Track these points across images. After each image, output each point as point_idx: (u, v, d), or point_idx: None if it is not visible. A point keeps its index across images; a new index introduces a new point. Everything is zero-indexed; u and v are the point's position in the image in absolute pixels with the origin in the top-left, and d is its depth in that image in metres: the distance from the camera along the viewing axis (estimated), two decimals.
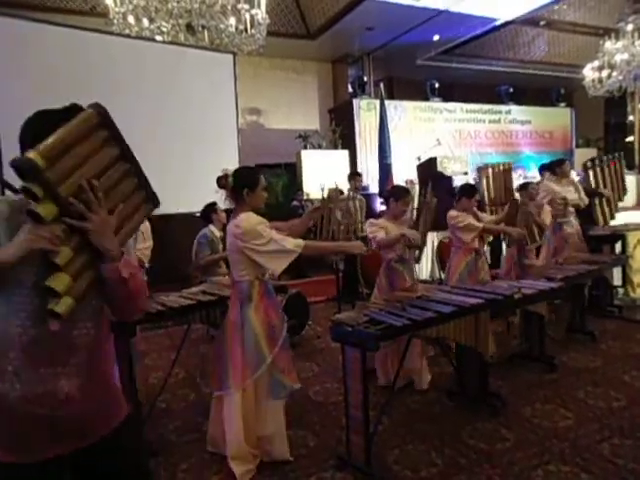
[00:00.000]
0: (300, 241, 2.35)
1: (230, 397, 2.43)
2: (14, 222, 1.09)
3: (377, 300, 3.26)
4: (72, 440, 1.19)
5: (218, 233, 4.55)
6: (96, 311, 1.22)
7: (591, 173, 5.38)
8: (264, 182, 2.51)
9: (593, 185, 5.34)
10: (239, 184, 2.42)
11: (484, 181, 5.64)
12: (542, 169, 5.54)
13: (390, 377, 3.24)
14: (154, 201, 1.29)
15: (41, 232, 1.04)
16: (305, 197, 7.03)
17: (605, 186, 5.49)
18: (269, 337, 2.42)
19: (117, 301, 1.23)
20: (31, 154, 1.02)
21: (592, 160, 5.53)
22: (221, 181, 2.43)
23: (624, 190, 5.74)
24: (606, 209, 5.57)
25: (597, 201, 5.44)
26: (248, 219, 2.34)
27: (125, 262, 1.17)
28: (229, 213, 4.65)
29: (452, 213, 3.76)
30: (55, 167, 1.06)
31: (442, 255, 5.08)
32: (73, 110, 1.16)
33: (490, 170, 5.66)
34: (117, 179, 1.20)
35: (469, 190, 3.83)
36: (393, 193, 3.49)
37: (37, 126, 1.16)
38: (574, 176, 5.32)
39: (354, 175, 6.36)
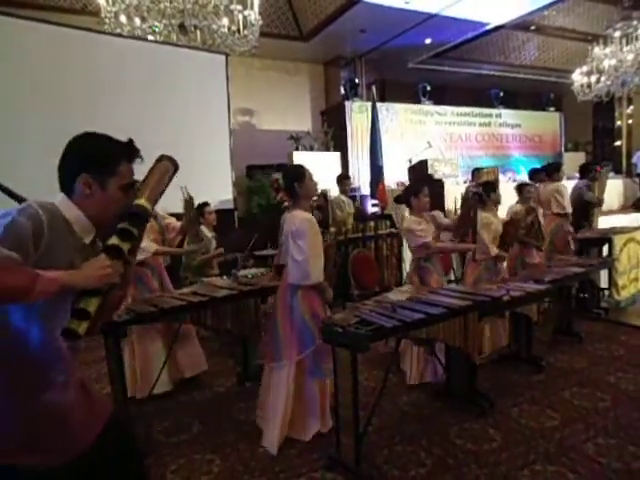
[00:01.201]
0: (321, 275, 2.63)
1: (280, 370, 2.68)
2: (55, 230, 1.19)
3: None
4: (85, 437, 1.30)
5: (209, 233, 4.54)
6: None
7: (596, 186, 5.53)
8: (310, 173, 2.77)
9: (597, 194, 5.49)
10: (289, 181, 2.73)
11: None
12: (532, 173, 5.63)
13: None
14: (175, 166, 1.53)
15: (117, 267, 1.21)
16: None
17: (601, 194, 5.64)
18: (315, 323, 2.62)
19: (104, 311, 1.32)
20: (143, 202, 1.28)
21: (592, 174, 5.65)
22: (274, 185, 2.74)
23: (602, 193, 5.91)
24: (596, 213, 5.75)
25: (597, 210, 5.62)
26: (302, 221, 2.62)
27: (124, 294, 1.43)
28: (219, 214, 4.66)
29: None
30: (152, 208, 1.35)
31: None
32: (132, 146, 1.35)
33: (485, 175, 5.68)
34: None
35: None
36: (410, 191, 3.53)
37: (100, 154, 1.31)
38: (564, 181, 5.42)
39: (342, 178, 6.39)
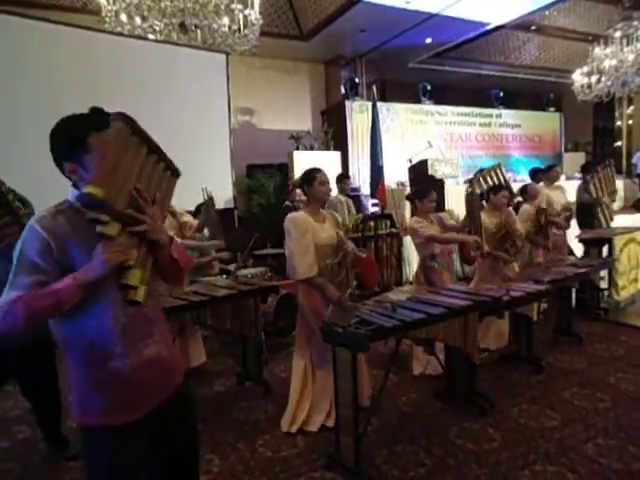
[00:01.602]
0: (309, 270, 2.71)
1: (296, 358, 2.92)
2: (63, 230, 1.25)
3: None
4: (162, 393, 1.43)
5: (207, 233, 4.52)
6: (153, 288, 1.41)
7: (592, 186, 5.49)
8: (322, 177, 2.88)
9: (594, 195, 5.46)
10: (302, 182, 2.91)
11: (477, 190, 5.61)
12: (532, 173, 5.63)
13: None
14: (177, 174, 1.47)
15: (115, 248, 1.22)
16: (298, 197, 7.04)
17: (603, 193, 5.60)
18: (315, 320, 2.75)
19: (169, 274, 1.46)
20: (90, 189, 1.17)
21: (591, 173, 5.62)
22: (292, 182, 2.80)
23: (615, 191, 5.86)
24: (607, 212, 5.69)
25: (599, 209, 5.58)
26: (289, 220, 2.79)
27: (175, 245, 1.39)
28: (219, 213, 4.65)
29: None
30: (110, 191, 1.20)
31: (464, 252, 5.11)
32: (98, 115, 1.28)
33: (481, 178, 5.59)
34: (151, 172, 1.35)
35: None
36: (416, 194, 3.62)
37: (69, 135, 1.27)
38: (562, 181, 5.42)
39: (342, 177, 6.39)
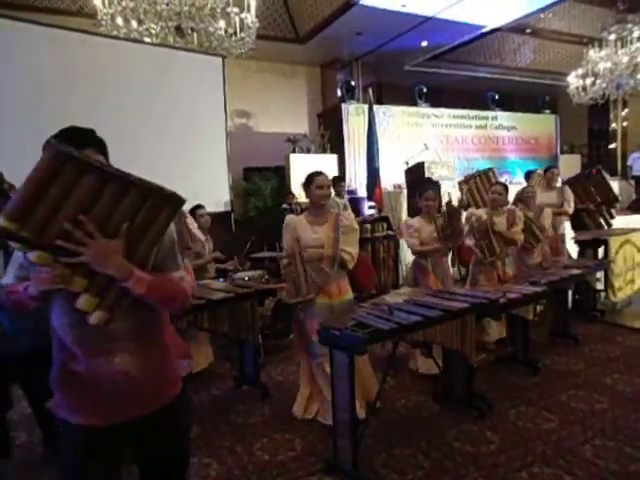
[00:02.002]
0: None
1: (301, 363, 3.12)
2: None
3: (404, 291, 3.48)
4: (135, 409, 1.39)
5: (202, 236, 4.51)
6: (131, 307, 1.30)
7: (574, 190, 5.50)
8: (319, 181, 2.95)
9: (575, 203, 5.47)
10: (303, 185, 3.02)
11: (467, 193, 5.55)
12: (527, 175, 5.65)
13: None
14: (175, 201, 1.27)
15: (44, 275, 1.19)
16: (295, 200, 7.04)
17: (591, 199, 5.61)
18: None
19: (155, 305, 1.38)
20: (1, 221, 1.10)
21: (572, 179, 5.64)
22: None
23: (614, 198, 5.86)
24: (600, 219, 5.71)
25: (585, 214, 5.61)
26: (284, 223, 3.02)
27: (137, 279, 1.23)
28: (216, 216, 4.62)
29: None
30: (30, 222, 1.12)
31: (461, 255, 5.12)
32: (62, 136, 1.26)
33: (472, 181, 5.54)
34: (110, 202, 1.20)
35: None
36: (414, 191, 3.64)
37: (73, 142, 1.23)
38: (559, 183, 5.43)
39: (337, 180, 6.39)
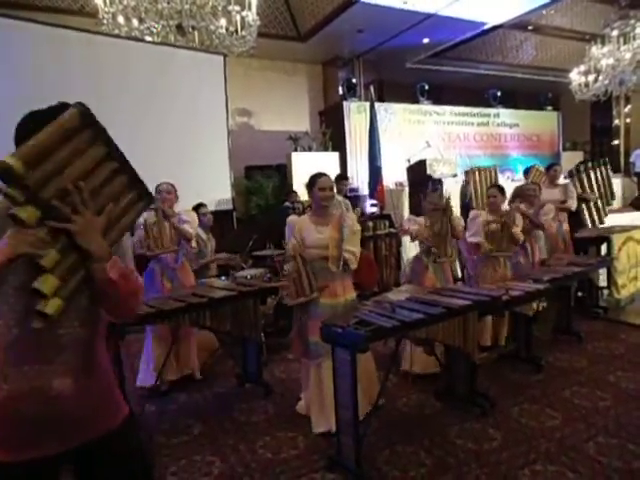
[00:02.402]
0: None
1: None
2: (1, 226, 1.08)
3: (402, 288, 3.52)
4: (64, 439, 1.19)
5: (204, 235, 4.51)
6: (86, 310, 1.20)
7: (577, 180, 5.49)
8: (321, 183, 2.96)
9: (580, 191, 5.45)
10: (306, 187, 3.06)
11: (471, 184, 5.69)
12: (526, 172, 5.65)
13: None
14: (147, 198, 1.27)
15: (24, 236, 1.03)
16: (297, 199, 7.04)
17: (592, 191, 5.61)
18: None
19: (107, 301, 1.22)
20: (9, 159, 1.01)
21: (577, 167, 5.63)
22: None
23: (612, 195, 5.87)
24: (594, 214, 5.69)
25: (584, 206, 5.57)
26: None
27: (114, 263, 1.15)
28: (218, 215, 4.63)
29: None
30: (36, 171, 1.05)
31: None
32: (61, 109, 1.14)
33: (477, 172, 5.71)
34: (105, 179, 1.18)
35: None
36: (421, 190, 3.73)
37: (27, 128, 1.15)
38: (563, 180, 5.41)
39: (340, 178, 6.38)
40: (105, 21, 6.00)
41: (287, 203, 6.31)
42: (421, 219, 3.63)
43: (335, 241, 2.86)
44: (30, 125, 1.14)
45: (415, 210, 3.81)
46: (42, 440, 1.17)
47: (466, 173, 5.88)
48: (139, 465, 1.37)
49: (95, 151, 1.17)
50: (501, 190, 3.98)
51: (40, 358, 1.15)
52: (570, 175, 5.58)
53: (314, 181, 2.98)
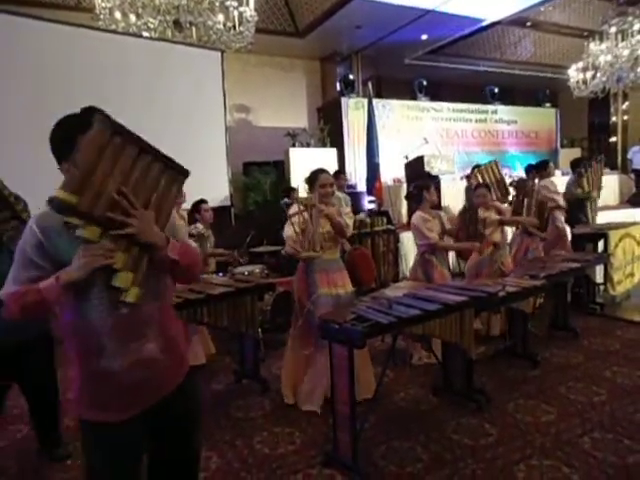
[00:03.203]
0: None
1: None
2: (53, 232, 1.27)
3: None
4: (156, 393, 1.43)
5: (204, 231, 4.52)
6: (156, 287, 1.40)
7: (585, 180, 5.51)
8: (322, 180, 3.00)
9: (586, 189, 5.49)
10: (307, 182, 3.08)
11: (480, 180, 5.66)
12: (528, 169, 5.65)
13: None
14: (184, 172, 1.40)
15: (94, 252, 1.22)
16: (297, 196, 7.04)
17: (593, 188, 5.63)
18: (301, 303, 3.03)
19: (175, 274, 1.45)
20: (60, 193, 1.15)
21: (584, 166, 5.64)
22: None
23: (601, 188, 5.89)
24: (594, 208, 5.73)
25: (588, 203, 5.60)
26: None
27: (172, 245, 1.33)
28: (215, 211, 4.65)
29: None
30: (85, 195, 1.17)
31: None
32: (88, 113, 1.25)
33: (479, 174, 5.66)
34: (143, 173, 1.30)
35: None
36: (424, 186, 3.66)
37: (60, 136, 1.31)
38: (558, 176, 5.44)
39: (338, 173, 6.38)
40: (102, 16, 5.97)
41: (286, 199, 6.30)
42: (425, 214, 3.61)
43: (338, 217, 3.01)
44: (63, 133, 1.30)
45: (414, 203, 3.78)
46: (138, 401, 1.40)
47: (468, 177, 5.87)
48: (197, 417, 1.59)
49: (128, 152, 1.27)
50: (488, 188, 4.13)
51: (138, 335, 1.36)
52: (579, 175, 5.58)
53: (316, 177, 3.02)
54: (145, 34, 6.15)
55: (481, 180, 5.58)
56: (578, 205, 5.55)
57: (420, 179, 6.40)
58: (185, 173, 1.40)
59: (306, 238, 2.87)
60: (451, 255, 5.69)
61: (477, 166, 6.23)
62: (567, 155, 11.56)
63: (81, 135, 1.24)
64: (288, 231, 2.98)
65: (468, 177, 5.86)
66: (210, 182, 6.45)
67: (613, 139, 12.38)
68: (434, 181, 6.34)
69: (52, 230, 1.27)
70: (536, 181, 5.16)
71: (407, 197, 4.09)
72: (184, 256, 1.37)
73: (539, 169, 5.31)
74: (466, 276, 4.15)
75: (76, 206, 1.16)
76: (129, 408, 1.39)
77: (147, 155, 1.30)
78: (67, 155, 1.28)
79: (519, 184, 4.65)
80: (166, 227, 1.36)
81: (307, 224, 2.87)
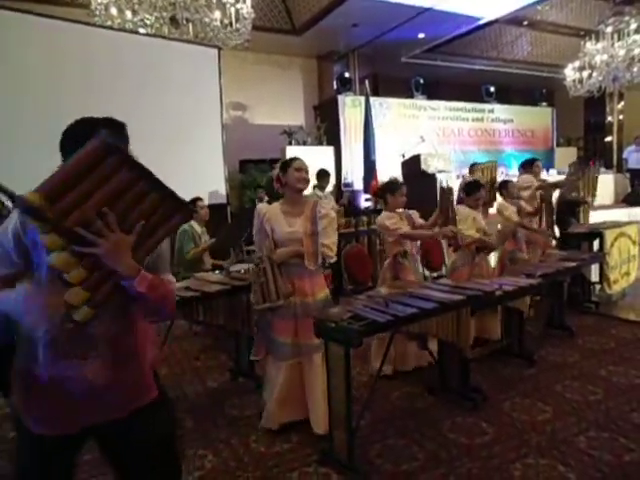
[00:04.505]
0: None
1: None
2: None
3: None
4: (101, 414, 1.34)
5: (199, 229, 4.52)
6: (118, 307, 1.31)
7: (581, 184, 5.55)
8: (299, 164, 2.70)
9: (581, 194, 5.53)
10: (280, 170, 2.73)
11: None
12: (523, 167, 5.66)
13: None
14: (183, 211, 1.32)
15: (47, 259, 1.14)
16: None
17: (588, 192, 5.67)
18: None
19: (140, 307, 1.34)
20: (31, 195, 1.10)
21: (582, 171, 5.68)
22: (274, 173, 2.76)
23: (594, 194, 5.94)
24: (587, 212, 5.78)
25: (582, 208, 5.65)
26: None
27: (141, 278, 1.23)
28: (211, 208, 4.64)
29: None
30: (59, 204, 1.13)
31: (427, 252, 5.13)
32: (112, 123, 1.29)
33: (481, 169, 5.70)
34: (134, 199, 1.24)
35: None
36: (388, 188, 3.52)
37: (79, 134, 1.26)
38: (545, 175, 5.48)
39: (322, 174, 6.35)
40: (98, 12, 5.94)
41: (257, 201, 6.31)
42: (391, 214, 3.49)
43: (310, 236, 2.64)
44: (84, 133, 1.25)
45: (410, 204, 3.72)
46: (74, 419, 1.33)
47: (471, 172, 5.88)
48: (163, 448, 1.47)
49: (123, 176, 1.23)
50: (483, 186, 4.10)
51: (74, 353, 1.29)
52: (576, 179, 5.62)
53: (289, 162, 2.72)
54: (141, 31, 6.12)
55: (481, 175, 5.60)
56: (570, 208, 5.57)
57: (417, 178, 6.41)
58: (186, 212, 1.34)
59: (265, 288, 2.62)
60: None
61: (474, 164, 6.25)
62: (563, 154, 11.62)
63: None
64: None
65: (464, 177, 5.90)
66: (206, 180, 6.43)
67: (609, 138, 12.42)
68: (426, 180, 6.36)
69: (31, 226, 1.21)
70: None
71: (375, 194, 3.98)
72: (153, 291, 1.26)
73: (525, 165, 5.32)
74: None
75: (42, 209, 1.11)
76: (55, 424, 1.33)
77: (143, 183, 1.25)
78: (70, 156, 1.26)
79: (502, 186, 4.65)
80: (152, 254, 1.31)
81: (267, 274, 2.61)
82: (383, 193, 3.52)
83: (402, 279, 3.42)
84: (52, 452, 1.37)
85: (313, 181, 7.05)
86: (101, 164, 1.19)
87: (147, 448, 1.42)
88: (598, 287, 5.03)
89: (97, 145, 1.19)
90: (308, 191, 6.28)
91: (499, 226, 4.35)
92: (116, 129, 1.35)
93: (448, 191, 3.53)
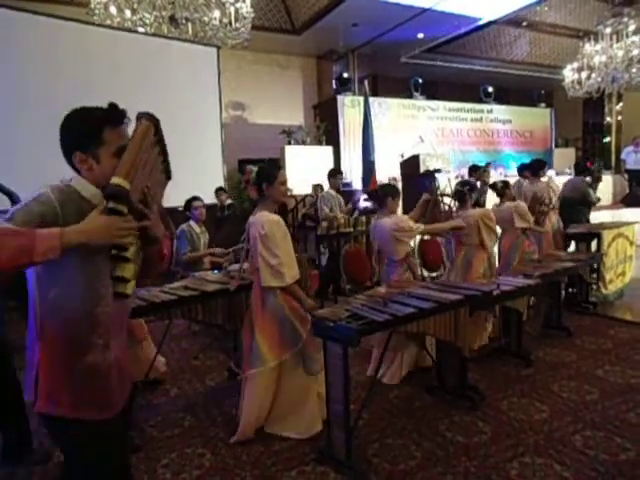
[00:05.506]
0: (296, 274, 2.60)
1: (256, 374, 2.66)
2: (70, 207, 1.23)
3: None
4: (125, 395, 1.45)
5: (197, 229, 4.52)
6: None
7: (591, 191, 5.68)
8: (283, 176, 2.63)
9: (598, 196, 5.72)
10: (259, 179, 2.61)
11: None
12: (521, 169, 5.68)
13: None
14: (169, 175, 1.47)
15: (125, 225, 1.20)
16: (289, 193, 7.03)
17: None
18: (300, 319, 2.64)
19: (151, 269, 1.45)
20: (119, 181, 1.17)
21: (599, 172, 5.80)
22: (246, 176, 2.68)
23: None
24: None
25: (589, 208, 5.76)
26: (270, 224, 2.55)
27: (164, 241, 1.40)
28: (210, 208, 4.61)
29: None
30: (132, 185, 1.22)
31: (424, 253, 5.16)
32: (114, 110, 1.31)
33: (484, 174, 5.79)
34: (156, 172, 1.38)
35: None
36: (390, 192, 3.53)
37: (83, 125, 1.30)
38: (549, 177, 5.50)
39: (335, 173, 6.34)
40: (97, 11, 5.94)
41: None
42: (402, 217, 3.54)
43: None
44: (88, 123, 1.30)
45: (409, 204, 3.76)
46: (119, 399, 1.40)
47: (475, 172, 5.98)
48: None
49: (155, 150, 1.35)
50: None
51: (119, 329, 1.39)
52: (596, 180, 5.73)
53: (274, 174, 2.60)
54: (140, 29, 6.12)
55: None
56: (578, 207, 5.64)
57: (423, 177, 6.40)
58: (169, 177, 1.46)
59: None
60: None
61: (474, 166, 6.26)
62: (561, 155, 11.63)
63: (109, 128, 1.28)
64: None
65: (470, 175, 5.96)
66: (205, 179, 6.44)
67: (607, 139, 12.45)
68: (431, 176, 6.35)
69: (73, 206, 1.23)
70: (526, 182, 5.21)
71: (370, 196, 3.99)
72: (166, 251, 1.48)
73: (533, 169, 5.31)
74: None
75: (129, 194, 1.19)
76: (114, 406, 1.39)
77: (161, 156, 1.39)
78: (88, 146, 1.29)
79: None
80: None
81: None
82: (385, 196, 3.51)
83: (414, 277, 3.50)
84: (119, 432, 1.43)
85: (315, 181, 7.05)
86: (148, 143, 1.30)
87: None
88: (595, 287, 5.04)
89: (149, 126, 1.30)
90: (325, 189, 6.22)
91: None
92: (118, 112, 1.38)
93: (434, 202, 3.59)
